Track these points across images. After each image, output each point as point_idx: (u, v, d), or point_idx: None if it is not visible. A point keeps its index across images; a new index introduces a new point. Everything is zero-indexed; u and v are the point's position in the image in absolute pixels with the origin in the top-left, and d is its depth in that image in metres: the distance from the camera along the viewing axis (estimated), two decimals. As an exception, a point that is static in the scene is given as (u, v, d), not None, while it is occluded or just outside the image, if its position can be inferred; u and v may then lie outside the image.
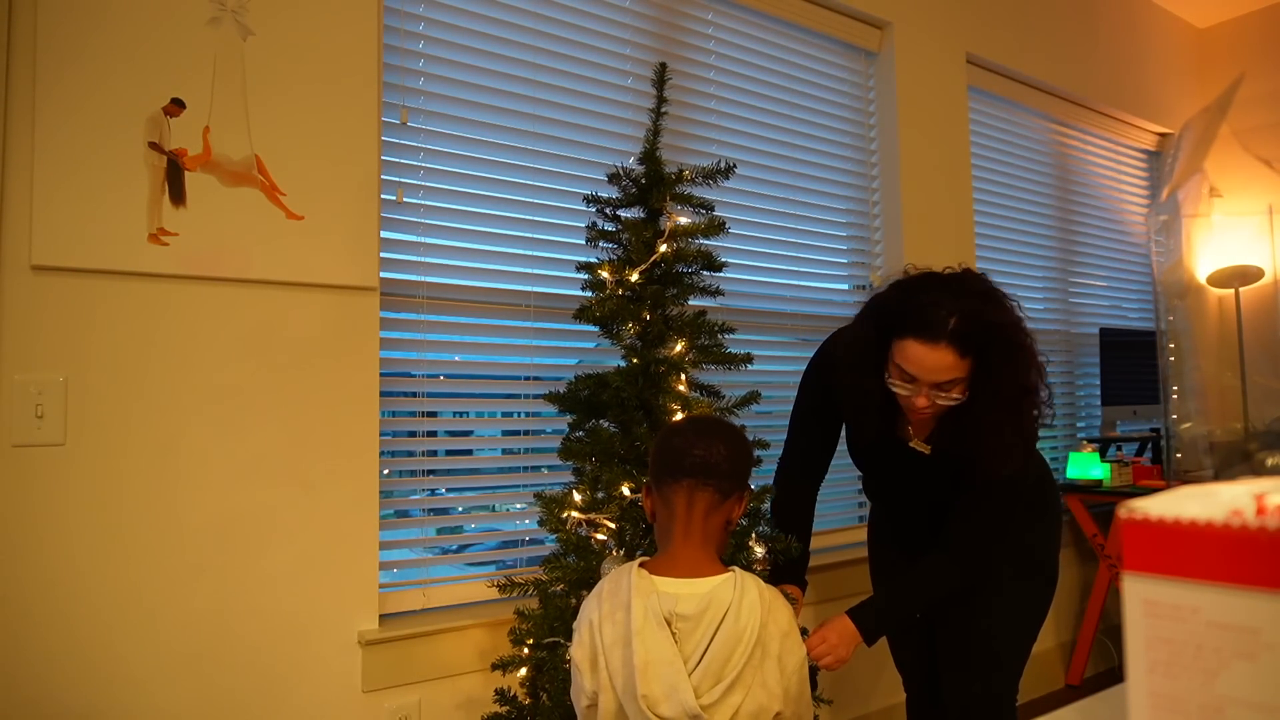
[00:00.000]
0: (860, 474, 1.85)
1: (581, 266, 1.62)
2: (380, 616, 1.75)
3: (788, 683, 1.18)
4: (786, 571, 1.63)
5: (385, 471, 1.83)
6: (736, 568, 1.23)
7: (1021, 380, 1.44)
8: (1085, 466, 3.11)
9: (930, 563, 1.60)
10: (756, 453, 1.64)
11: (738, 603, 1.15)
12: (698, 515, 1.22)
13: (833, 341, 1.73)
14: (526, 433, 2.10)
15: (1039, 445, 1.75)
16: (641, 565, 1.22)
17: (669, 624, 1.15)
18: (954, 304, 1.41)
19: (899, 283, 1.52)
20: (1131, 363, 3.45)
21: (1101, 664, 3.35)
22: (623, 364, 1.56)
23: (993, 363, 1.42)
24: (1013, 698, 1.73)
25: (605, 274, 1.58)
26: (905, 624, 1.75)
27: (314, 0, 1.70)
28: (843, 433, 1.77)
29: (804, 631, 1.52)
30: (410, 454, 1.90)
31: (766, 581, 1.59)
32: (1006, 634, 1.71)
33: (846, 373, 1.56)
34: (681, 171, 1.60)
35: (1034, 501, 1.72)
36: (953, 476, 1.57)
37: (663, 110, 1.63)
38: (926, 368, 1.42)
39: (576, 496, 1.53)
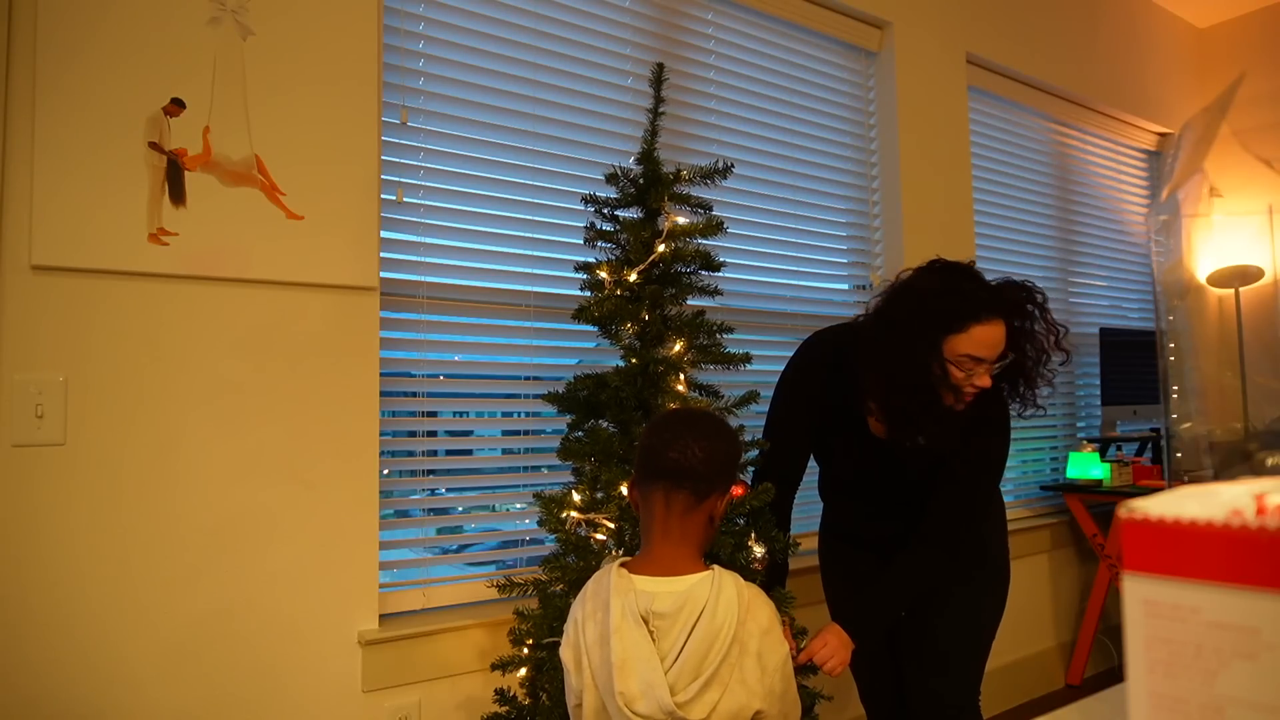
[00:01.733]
0: (823, 474, 1.86)
1: (580, 266, 1.62)
2: (380, 616, 1.75)
3: (770, 681, 1.17)
4: (769, 579, 1.62)
5: (385, 471, 1.83)
6: (717, 566, 1.22)
7: (1050, 333, 1.59)
8: (1085, 466, 3.11)
9: (914, 555, 1.61)
10: (755, 452, 1.65)
11: (714, 600, 1.15)
12: (675, 516, 1.22)
13: (819, 348, 1.75)
14: (526, 433, 2.10)
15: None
16: (623, 565, 1.23)
17: (646, 622, 1.15)
18: (984, 282, 1.55)
19: (925, 286, 1.55)
20: (1131, 363, 3.45)
21: (1101, 664, 3.35)
22: (622, 364, 1.56)
23: (1027, 322, 1.57)
24: (976, 692, 1.75)
25: (604, 274, 1.58)
26: (893, 622, 1.75)
27: (314, 0, 1.70)
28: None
29: (804, 632, 1.53)
30: (410, 454, 1.90)
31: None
32: (965, 632, 1.73)
33: (895, 380, 1.54)
34: (679, 171, 1.60)
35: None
36: (931, 468, 1.61)
37: (661, 110, 1.63)
38: (990, 344, 1.52)
39: (576, 496, 1.53)
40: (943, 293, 1.53)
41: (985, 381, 1.53)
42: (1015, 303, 1.55)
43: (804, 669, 1.54)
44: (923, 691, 1.75)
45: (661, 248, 1.56)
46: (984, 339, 1.51)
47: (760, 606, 1.21)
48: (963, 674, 1.74)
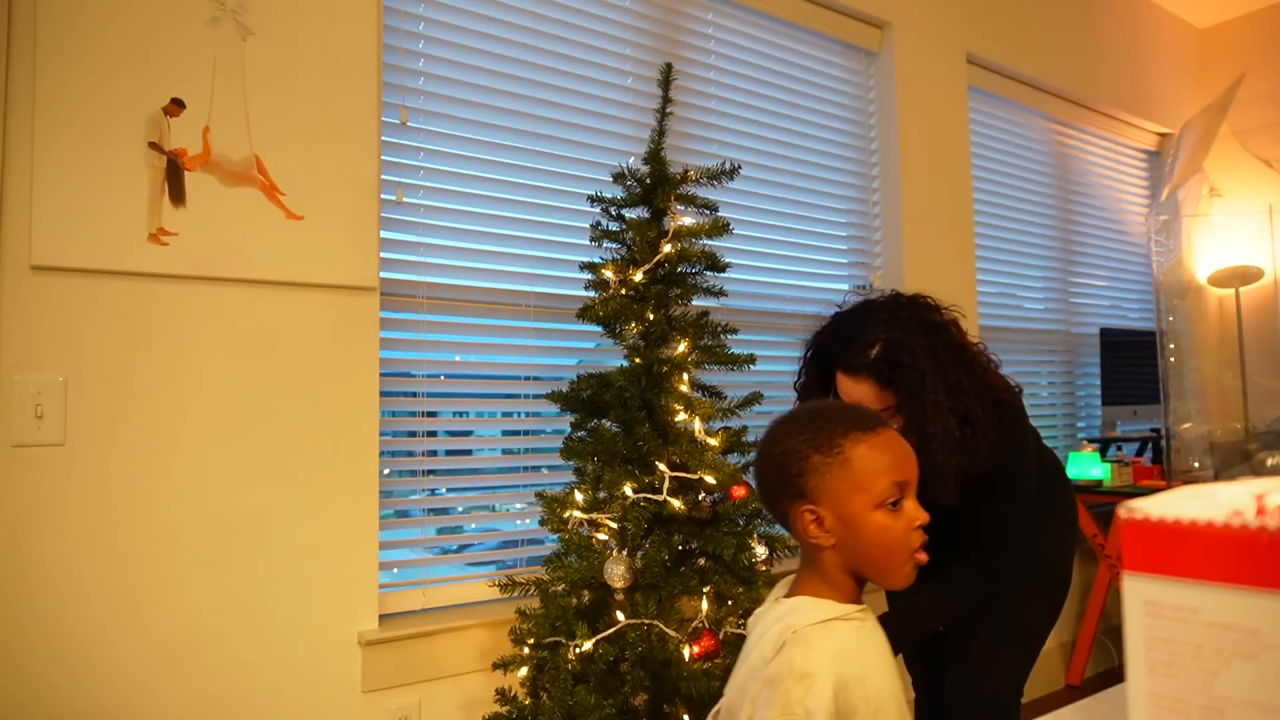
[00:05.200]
0: None
1: (585, 266, 1.62)
2: (380, 616, 1.75)
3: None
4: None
5: (385, 471, 1.83)
6: (803, 598, 1.01)
7: (933, 409, 1.41)
8: (1085, 466, 3.11)
9: (945, 575, 1.58)
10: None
11: (764, 631, 1.01)
12: None
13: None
14: (526, 433, 2.10)
15: (1053, 446, 1.74)
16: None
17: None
18: (874, 335, 1.45)
19: (834, 315, 1.58)
20: (1131, 363, 3.45)
21: (1101, 664, 3.35)
22: (624, 364, 1.56)
23: (912, 391, 1.42)
24: (1016, 700, 1.73)
25: (609, 273, 1.58)
26: (919, 637, 1.72)
27: (314, 0, 1.70)
28: None
29: None
30: (410, 454, 1.90)
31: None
32: (1010, 637, 1.71)
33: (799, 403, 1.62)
34: (686, 172, 1.60)
35: (1042, 504, 1.69)
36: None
37: (669, 111, 1.63)
38: (854, 398, 1.47)
39: (578, 496, 1.53)
40: (831, 329, 1.55)
41: None
42: (882, 369, 1.44)
43: None
44: (959, 693, 1.73)
45: (667, 248, 1.56)
46: (844, 389, 1.48)
47: (799, 653, 0.94)
48: (1001, 678, 1.70)
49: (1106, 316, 3.72)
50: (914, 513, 0.98)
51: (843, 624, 0.97)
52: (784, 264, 2.56)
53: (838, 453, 0.98)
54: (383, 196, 1.79)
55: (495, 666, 1.56)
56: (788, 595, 1.02)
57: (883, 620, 1.55)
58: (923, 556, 1.00)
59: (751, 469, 1.10)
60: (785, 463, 1.00)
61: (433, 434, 1.97)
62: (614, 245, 1.63)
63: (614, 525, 1.50)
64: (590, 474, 1.55)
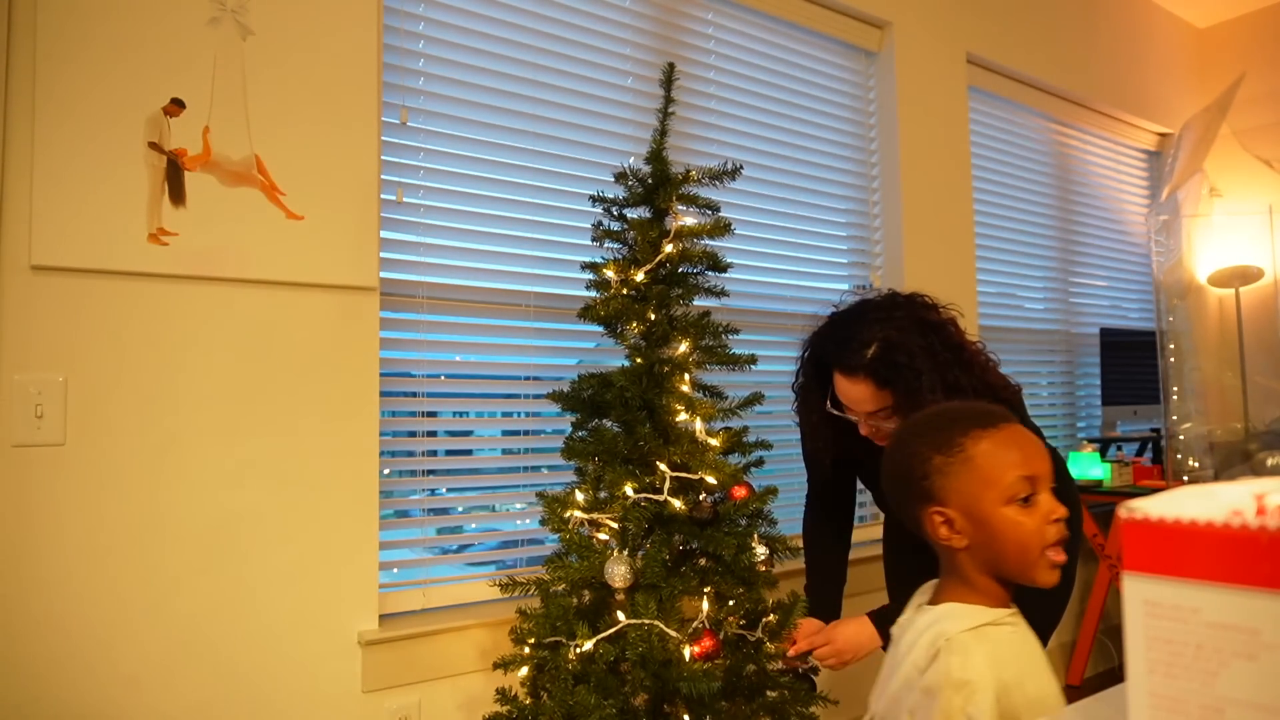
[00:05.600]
0: None
1: (587, 266, 1.62)
2: (380, 616, 1.75)
3: None
4: (817, 607, 1.66)
5: (385, 471, 1.83)
6: (952, 604, 1.00)
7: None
8: (1085, 466, 3.11)
9: None
10: (759, 453, 1.64)
11: (914, 638, 1.01)
12: None
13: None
14: (526, 433, 2.10)
15: (1053, 446, 1.74)
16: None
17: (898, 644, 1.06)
18: (870, 335, 1.43)
19: (831, 315, 1.57)
20: (1131, 363, 3.45)
21: (1101, 664, 3.35)
22: (625, 364, 1.56)
23: (909, 391, 1.40)
24: None
25: (610, 273, 1.58)
26: None
27: (314, 0, 1.70)
28: None
29: (814, 671, 1.54)
30: (410, 454, 1.90)
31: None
32: None
33: (798, 404, 1.64)
34: (688, 172, 1.60)
35: None
36: None
37: (670, 111, 1.63)
38: (851, 399, 1.47)
39: (579, 496, 1.53)
40: (828, 330, 1.55)
41: (864, 430, 1.50)
42: (879, 369, 1.43)
43: (800, 675, 1.54)
44: None
45: (669, 248, 1.56)
46: (842, 390, 1.48)
47: (955, 661, 0.93)
48: None
49: (1106, 316, 3.72)
50: (1049, 506, 0.96)
51: (995, 629, 0.96)
52: (784, 264, 2.56)
53: (959, 451, 0.97)
54: (383, 196, 1.79)
55: (495, 666, 1.56)
56: (930, 602, 1.01)
57: (891, 607, 1.56)
58: (1059, 556, 0.97)
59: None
60: (910, 467, 1.00)
61: (433, 434, 1.97)
62: (615, 245, 1.63)
63: (615, 525, 1.49)
64: (591, 474, 1.54)
